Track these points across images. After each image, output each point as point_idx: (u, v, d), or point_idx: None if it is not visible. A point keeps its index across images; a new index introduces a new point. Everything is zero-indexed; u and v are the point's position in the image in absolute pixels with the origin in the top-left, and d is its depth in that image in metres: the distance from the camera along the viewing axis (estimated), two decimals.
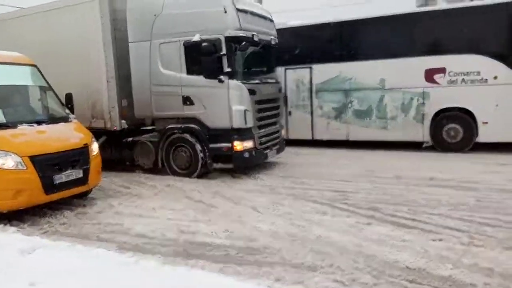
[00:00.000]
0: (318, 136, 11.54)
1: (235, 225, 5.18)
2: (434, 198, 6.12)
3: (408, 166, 8.48)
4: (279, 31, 9.48)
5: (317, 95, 11.45)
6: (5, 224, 5.28)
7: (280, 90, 9.33)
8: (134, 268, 3.62)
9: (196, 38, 7.58)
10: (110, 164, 8.97)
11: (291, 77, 11.72)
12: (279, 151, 9.15)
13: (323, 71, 11.23)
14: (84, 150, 6.28)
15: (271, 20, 9.03)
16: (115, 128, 8.56)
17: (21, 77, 6.69)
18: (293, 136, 11.56)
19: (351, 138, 11.07)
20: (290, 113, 11.80)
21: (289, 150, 10.28)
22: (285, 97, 11.43)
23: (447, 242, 4.39)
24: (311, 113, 11.57)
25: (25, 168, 5.40)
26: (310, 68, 11.43)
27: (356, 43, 10.97)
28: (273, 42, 8.79)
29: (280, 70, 10.93)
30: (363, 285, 3.54)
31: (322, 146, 11.31)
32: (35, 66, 6.87)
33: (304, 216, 5.46)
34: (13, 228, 5.16)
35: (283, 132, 9.53)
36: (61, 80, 7.79)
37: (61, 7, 8.54)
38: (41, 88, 6.88)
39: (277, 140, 9.06)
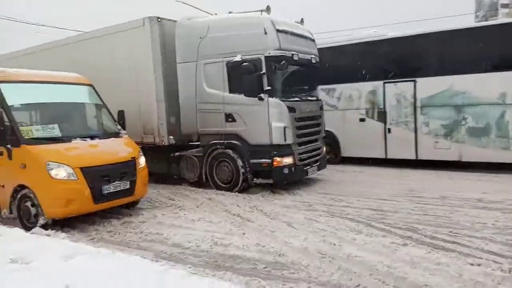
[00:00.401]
0: (423, 156, 10.46)
1: (267, 239, 5.26)
2: (479, 220, 5.85)
3: (457, 186, 8.14)
4: (375, 43, 9.01)
5: (422, 110, 10.40)
6: (57, 230, 5.75)
7: (321, 107, 9.34)
8: (163, 276, 3.81)
9: (237, 58, 7.88)
10: (160, 177, 9.53)
11: (391, 92, 10.83)
12: (320, 167, 9.14)
13: (430, 85, 10.22)
14: (131, 163, 6.70)
15: (312, 40, 9.15)
16: (163, 143, 8.99)
17: (79, 95, 7.30)
18: (392, 155, 10.84)
19: (465, 159, 9.93)
20: (389, 130, 10.90)
21: (334, 168, 10.24)
22: (384, 113, 10.95)
23: (485, 268, 4.18)
24: (415, 130, 10.51)
25: (76, 179, 5.87)
26: (414, 81, 10.44)
27: (470, 54, 9.75)
28: (313, 61, 8.89)
29: (377, 84, 10.83)
30: None
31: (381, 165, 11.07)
32: (91, 86, 7.47)
33: (337, 233, 5.42)
34: (63, 234, 5.61)
35: (324, 149, 9.50)
36: (116, 99, 8.44)
37: (115, 32, 9.21)
38: (96, 106, 7.45)
39: (318, 157, 9.07)
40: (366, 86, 11.22)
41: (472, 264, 4.29)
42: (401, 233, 5.41)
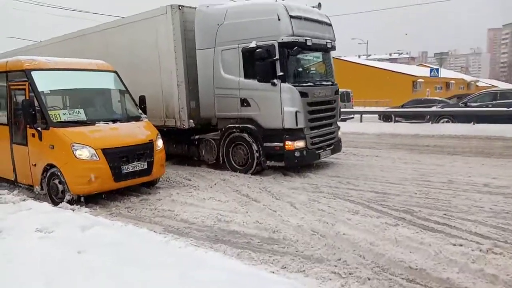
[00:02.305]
0: None
1: (267, 217, 5.65)
2: (478, 204, 5.98)
3: (468, 171, 8.17)
4: None
5: None
6: (81, 206, 6.38)
7: (336, 92, 9.47)
8: (163, 246, 4.31)
9: (252, 44, 8.17)
10: (181, 158, 10.10)
11: None
12: (334, 151, 9.35)
13: None
14: (149, 145, 7.22)
15: (328, 24, 9.22)
16: (183, 126, 9.49)
17: (103, 81, 7.85)
18: None
19: None
20: None
21: (350, 151, 10.42)
22: None
23: (465, 248, 4.39)
24: None
25: (98, 159, 6.46)
26: None
27: None
28: (329, 46, 9.00)
29: None
30: (357, 278, 3.81)
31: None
32: (115, 72, 8.01)
33: (334, 214, 5.73)
34: (86, 209, 6.24)
35: (339, 132, 9.68)
36: (141, 84, 9.07)
37: (140, 19, 9.70)
38: (119, 91, 7.98)
39: (332, 140, 9.27)
40: None
41: (454, 244, 4.51)
42: (396, 214, 5.66)
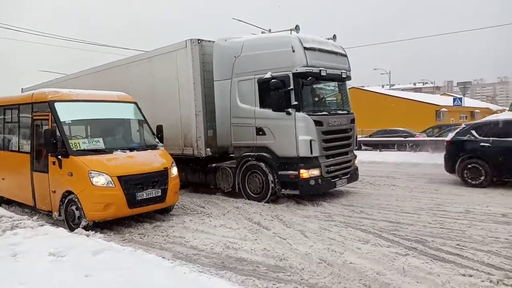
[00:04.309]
0: None
1: (276, 245, 5.65)
2: (494, 235, 5.83)
3: (486, 201, 7.98)
4: None
5: None
6: (96, 231, 6.55)
7: (352, 121, 9.51)
8: (167, 272, 4.37)
9: (267, 75, 8.39)
10: (197, 186, 10.25)
11: None
12: (350, 180, 9.30)
13: None
14: (163, 173, 7.40)
15: (343, 55, 9.39)
16: (201, 155, 9.69)
17: (122, 112, 8.17)
18: None
19: None
20: None
21: (367, 181, 10.33)
22: None
23: (475, 278, 4.28)
24: None
25: (113, 186, 6.67)
26: None
27: None
28: (344, 76, 9.13)
29: None
30: None
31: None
32: (135, 103, 8.35)
33: (344, 243, 5.68)
34: (100, 235, 6.39)
35: (356, 161, 9.65)
36: (160, 115, 9.42)
37: (160, 54, 10.16)
38: (138, 121, 8.29)
39: (349, 169, 9.24)
40: None
41: (463, 275, 4.40)
42: (408, 244, 5.56)
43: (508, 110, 21.16)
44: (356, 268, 4.71)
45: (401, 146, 20.58)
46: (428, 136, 22.17)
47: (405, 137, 21.50)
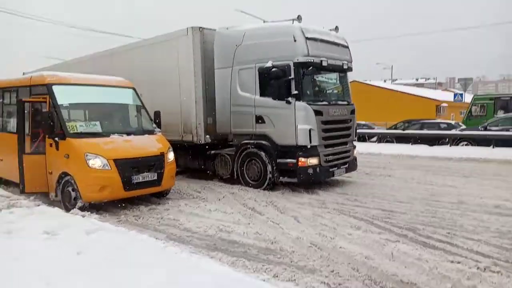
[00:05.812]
0: None
1: (268, 229, 5.71)
2: (485, 225, 5.87)
3: (481, 192, 8.01)
4: None
5: None
6: (92, 212, 6.60)
7: (352, 111, 9.51)
8: (159, 251, 4.43)
9: (268, 64, 8.37)
10: (195, 172, 10.30)
11: None
12: (349, 169, 9.34)
13: None
14: (160, 157, 7.44)
15: (345, 46, 9.38)
16: (200, 141, 9.72)
17: (121, 97, 8.19)
18: None
19: None
20: None
21: (364, 171, 10.37)
22: None
23: (463, 265, 4.33)
24: None
25: (109, 168, 6.71)
26: None
27: None
28: (345, 66, 9.13)
29: None
30: None
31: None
32: (133, 88, 8.36)
33: (336, 228, 5.74)
34: (95, 215, 6.44)
35: (355, 151, 9.68)
36: (160, 101, 9.43)
37: (164, 40, 10.14)
38: (135, 106, 8.32)
39: (347, 159, 9.28)
40: None
41: (452, 262, 4.45)
42: (399, 231, 5.61)
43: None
44: (346, 252, 4.76)
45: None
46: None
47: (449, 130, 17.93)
